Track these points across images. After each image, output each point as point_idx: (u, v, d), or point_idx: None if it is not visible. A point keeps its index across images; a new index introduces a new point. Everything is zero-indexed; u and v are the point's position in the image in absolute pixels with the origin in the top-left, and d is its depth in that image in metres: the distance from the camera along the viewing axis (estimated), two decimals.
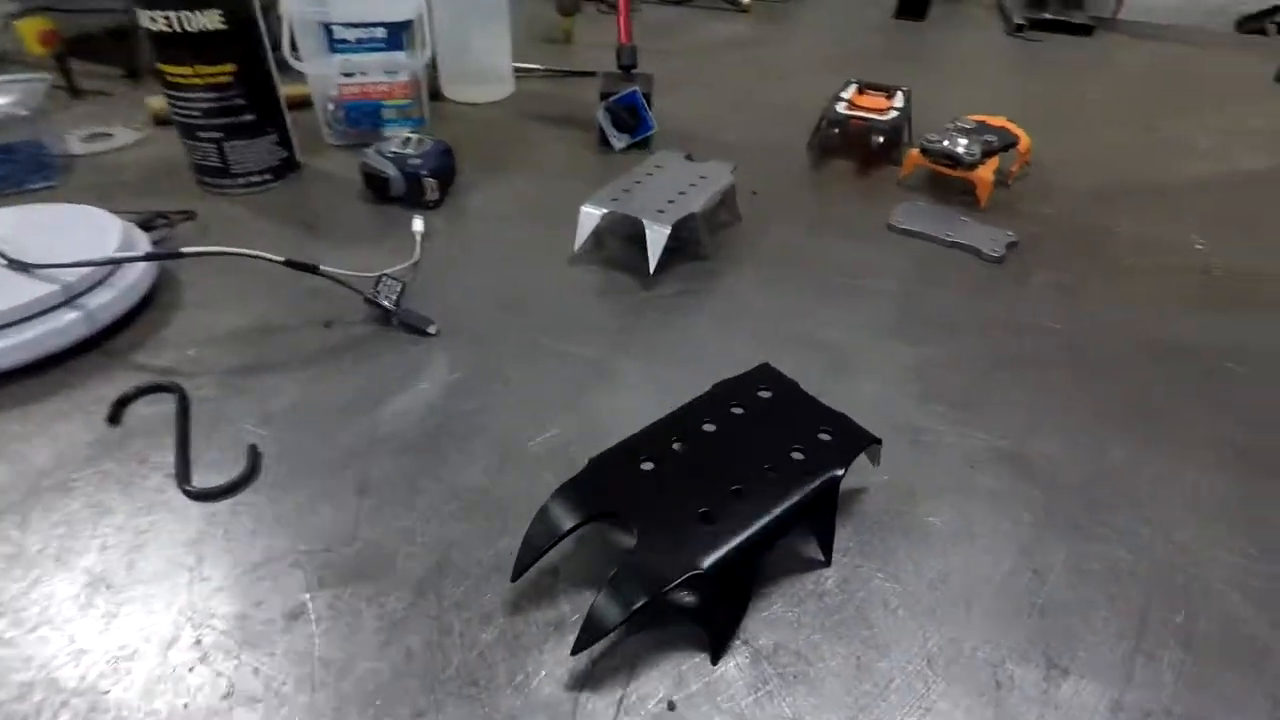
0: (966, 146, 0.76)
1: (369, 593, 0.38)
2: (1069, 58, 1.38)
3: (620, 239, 0.69)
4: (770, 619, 0.38)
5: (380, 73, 0.81)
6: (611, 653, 0.36)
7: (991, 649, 0.37)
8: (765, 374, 0.45)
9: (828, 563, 0.41)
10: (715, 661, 0.36)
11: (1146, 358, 0.58)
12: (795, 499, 0.37)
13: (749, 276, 0.65)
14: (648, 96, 0.84)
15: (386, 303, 0.56)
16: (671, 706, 0.34)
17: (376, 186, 0.73)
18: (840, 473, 0.39)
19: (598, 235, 0.66)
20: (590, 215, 0.63)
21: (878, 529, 0.43)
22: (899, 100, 0.89)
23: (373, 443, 0.47)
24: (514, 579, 0.37)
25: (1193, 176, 0.89)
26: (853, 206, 0.78)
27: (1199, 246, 0.74)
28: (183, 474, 0.44)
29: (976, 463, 0.48)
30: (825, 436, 0.41)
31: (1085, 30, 1.53)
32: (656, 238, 0.61)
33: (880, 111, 0.87)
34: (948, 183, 0.80)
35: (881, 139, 0.83)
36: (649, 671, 0.35)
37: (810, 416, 0.42)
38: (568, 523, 0.36)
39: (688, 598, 0.39)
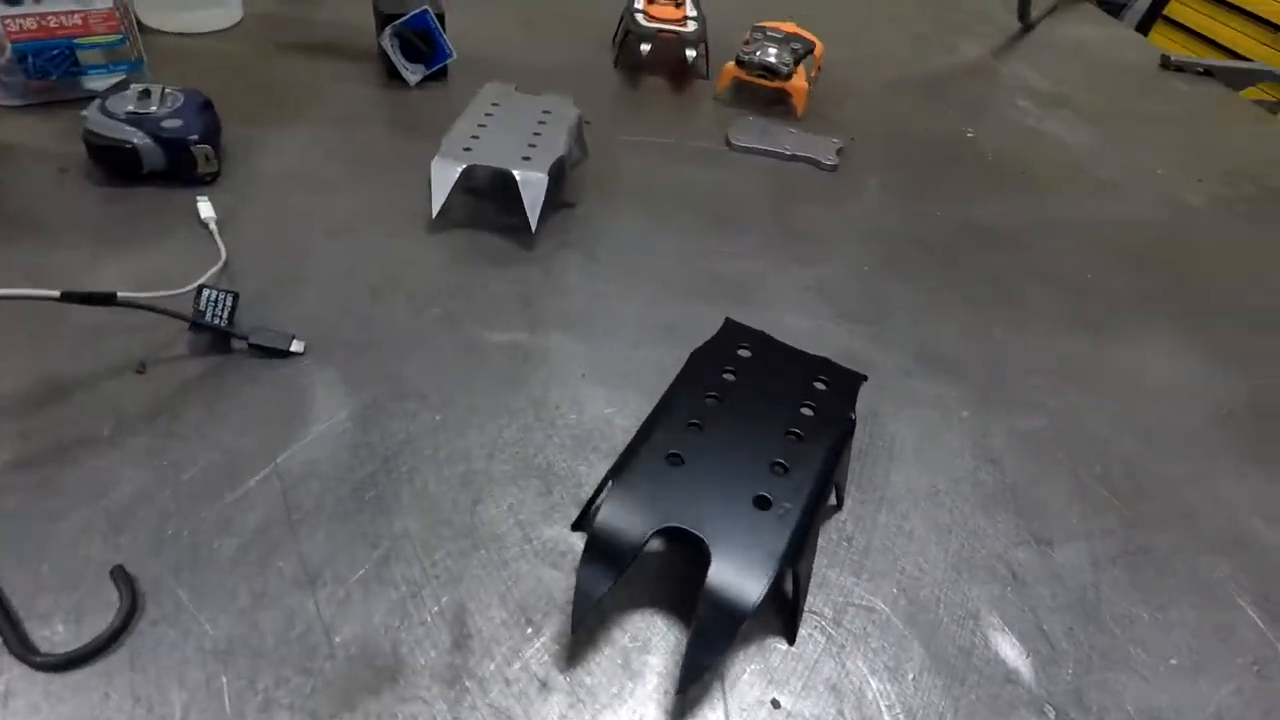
0: (778, 56, 0.77)
1: (383, 708, 0.30)
2: None
3: (476, 193, 0.60)
4: (818, 580, 0.38)
5: None
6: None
7: (992, 542, 0.41)
8: (735, 331, 0.43)
9: (840, 506, 0.41)
10: (792, 642, 0.35)
11: (975, 243, 0.66)
12: (828, 457, 0.37)
13: (622, 218, 0.61)
14: (440, 17, 0.72)
15: (219, 323, 0.43)
16: (776, 705, 0.33)
17: (115, 162, 0.54)
18: (853, 417, 0.39)
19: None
20: (447, 170, 0.53)
21: (861, 456, 0.45)
22: (690, 8, 0.87)
23: (290, 522, 0.36)
24: (574, 630, 0.32)
25: (954, 68, 1.00)
26: (686, 127, 0.76)
27: (969, 134, 0.84)
28: (17, 639, 0.30)
29: (910, 372, 0.51)
30: (821, 386, 0.40)
31: None
32: (534, 189, 0.53)
33: (679, 22, 0.84)
34: (754, 92, 0.81)
35: (694, 53, 0.81)
36: (736, 674, 0.33)
37: (797, 366, 0.41)
38: (625, 555, 0.32)
39: None
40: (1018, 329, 0.57)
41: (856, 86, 0.89)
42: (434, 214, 0.54)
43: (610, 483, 0.35)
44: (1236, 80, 1.15)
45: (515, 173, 0.53)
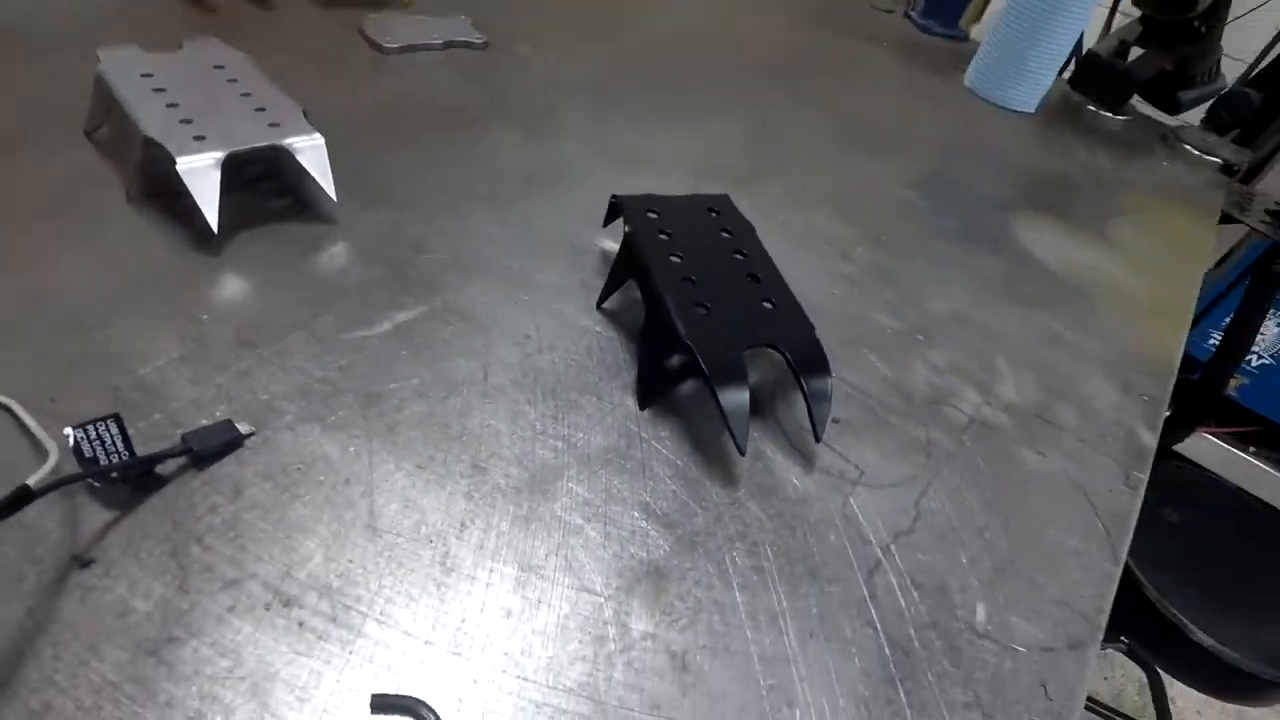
0: None
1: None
2: None
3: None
4: None
5: None
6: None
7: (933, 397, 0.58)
8: (630, 202, 0.49)
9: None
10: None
11: (633, 76, 0.78)
12: (780, 281, 0.47)
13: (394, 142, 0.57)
14: None
15: (122, 458, 0.32)
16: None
17: None
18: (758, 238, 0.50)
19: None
20: (204, 171, 0.43)
21: None
22: None
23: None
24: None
25: None
26: (331, 45, 0.68)
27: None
28: None
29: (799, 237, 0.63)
30: (716, 215, 0.50)
31: None
32: (318, 154, 0.47)
33: None
34: None
35: None
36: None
37: (699, 209, 0.50)
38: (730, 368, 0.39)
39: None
40: (666, 121, 0.72)
41: None
42: (215, 229, 0.44)
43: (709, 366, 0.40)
44: None
45: (287, 142, 0.46)
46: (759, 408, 0.45)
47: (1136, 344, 0.59)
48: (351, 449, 0.36)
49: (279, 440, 0.36)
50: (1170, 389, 0.57)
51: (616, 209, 0.49)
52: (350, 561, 0.32)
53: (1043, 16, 0.84)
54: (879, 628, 0.36)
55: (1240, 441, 1.85)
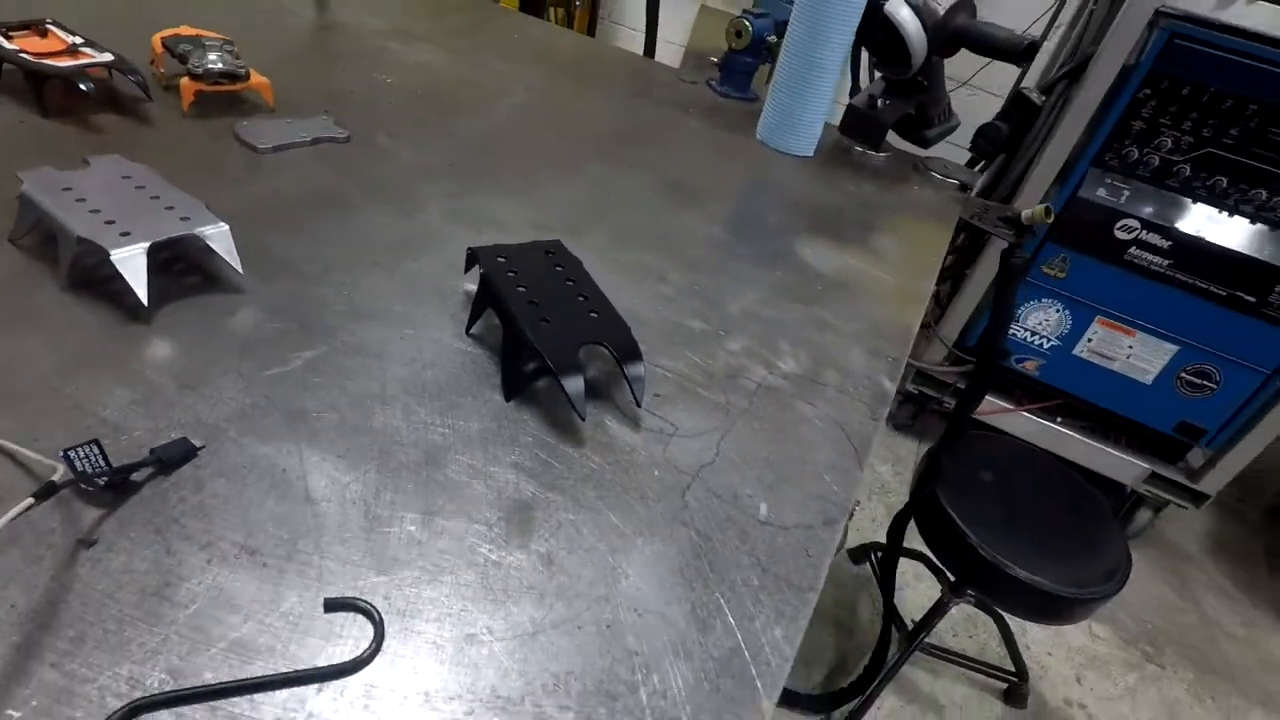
0: (228, 60, 0.85)
1: None
2: None
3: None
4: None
5: None
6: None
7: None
8: (484, 251, 0.64)
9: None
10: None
11: (474, 149, 0.94)
12: (599, 294, 0.64)
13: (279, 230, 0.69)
14: None
15: (101, 469, 0.43)
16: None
17: None
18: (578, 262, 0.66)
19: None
20: (136, 257, 0.54)
21: None
22: (67, 36, 0.83)
23: None
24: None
25: (328, 25, 1.16)
26: (209, 151, 0.79)
27: (388, 80, 1.07)
28: None
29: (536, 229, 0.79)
30: (552, 255, 0.66)
31: None
32: (224, 240, 0.59)
33: (67, 54, 0.81)
34: (212, 100, 0.87)
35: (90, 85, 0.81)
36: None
37: (536, 252, 0.65)
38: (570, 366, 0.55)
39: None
40: (509, 190, 0.89)
41: (267, 69, 1.01)
42: (146, 303, 0.55)
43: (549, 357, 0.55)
44: None
45: (198, 231, 0.58)
46: (597, 392, 0.60)
47: (884, 321, 0.80)
48: (285, 449, 0.49)
49: (226, 449, 0.48)
50: (909, 349, 0.77)
51: (473, 258, 0.63)
52: (296, 522, 0.44)
53: (803, 80, 1.08)
54: (690, 525, 0.51)
55: (1049, 414, 2.18)
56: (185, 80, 0.83)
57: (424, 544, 0.45)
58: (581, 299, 0.62)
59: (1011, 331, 2.07)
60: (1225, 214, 1.75)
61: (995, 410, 2.23)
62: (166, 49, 0.86)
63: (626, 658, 0.42)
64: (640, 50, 1.75)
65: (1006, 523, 1.38)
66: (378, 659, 0.39)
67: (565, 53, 1.38)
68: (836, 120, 1.22)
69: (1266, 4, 1.50)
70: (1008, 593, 1.36)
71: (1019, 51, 1.00)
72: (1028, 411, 2.19)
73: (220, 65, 0.84)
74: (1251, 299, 1.77)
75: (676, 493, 0.53)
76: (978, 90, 2.66)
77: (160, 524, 0.43)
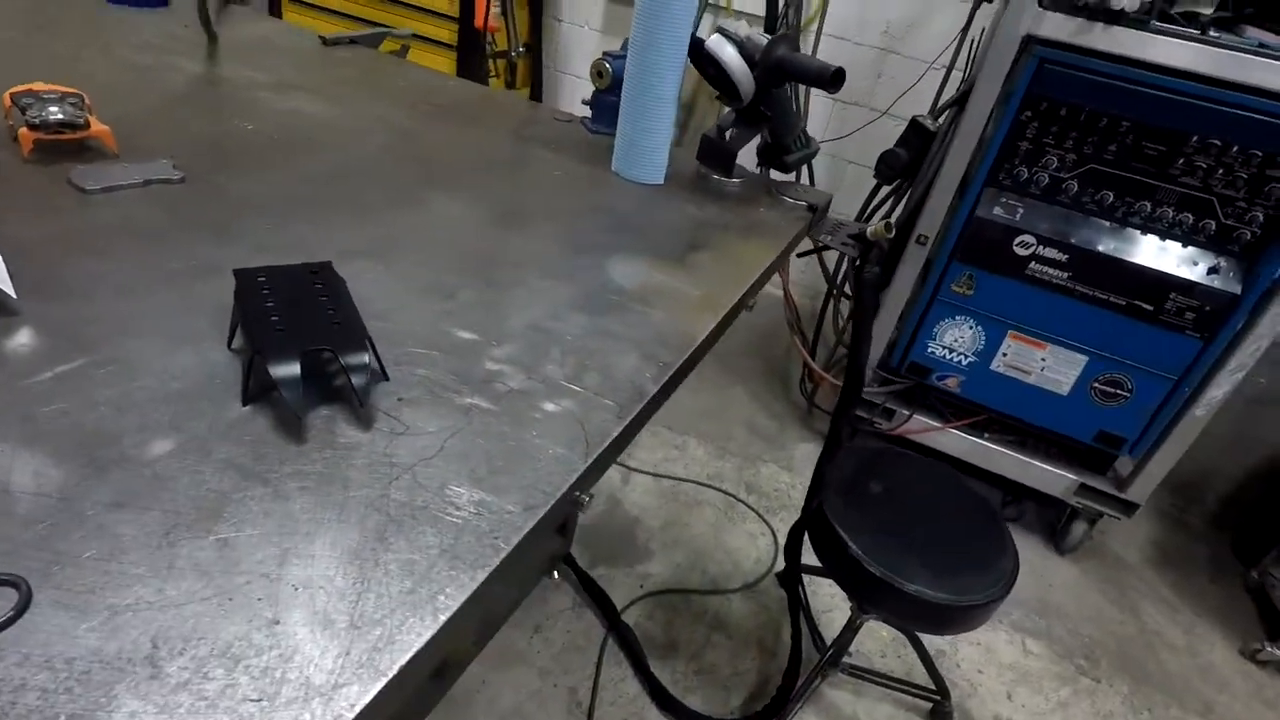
0: (69, 111, 0.93)
1: None
2: None
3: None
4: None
5: None
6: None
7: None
8: (245, 273, 0.69)
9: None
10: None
11: (310, 190, 1.01)
12: (346, 297, 0.69)
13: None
14: None
15: None
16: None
17: None
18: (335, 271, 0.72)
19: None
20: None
21: None
22: None
23: None
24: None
25: (189, 80, 1.25)
26: (39, 193, 0.86)
27: (249, 127, 1.15)
28: None
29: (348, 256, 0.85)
30: (314, 275, 0.72)
31: None
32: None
33: None
34: (55, 149, 0.95)
35: None
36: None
37: (298, 273, 0.71)
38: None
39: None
40: (333, 221, 0.95)
41: (125, 117, 1.09)
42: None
43: (262, 351, 0.60)
44: (372, 41, 1.71)
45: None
46: (334, 397, 0.65)
47: (670, 331, 0.85)
48: (2, 449, 0.54)
49: None
50: (688, 355, 0.81)
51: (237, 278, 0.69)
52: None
53: (642, 113, 1.15)
54: (384, 511, 0.56)
55: (977, 430, 2.21)
56: (24, 130, 0.91)
57: (105, 528, 0.50)
58: (330, 313, 0.67)
59: (930, 349, 2.12)
60: (1115, 226, 1.81)
61: (923, 429, 2.26)
62: (14, 103, 0.93)
63: (266, 626, 0.47)
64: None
65: (894, 534, 1.40)
66: (17, 625, 0.44)
67: (449, 98, 1.46)
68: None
69: (1122, 29, 1.57)
70: (896, 605, 1.38)
71: (827, 78, 1.07)
72: (955, 429, 2.22)
73: (60, 115, 0.92)
74: (1149, 307, 1.81)
75: (383, 484, 0.58)
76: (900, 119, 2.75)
77: None
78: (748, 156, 1.28)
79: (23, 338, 0.65)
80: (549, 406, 0.70)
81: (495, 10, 2.73)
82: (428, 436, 0.63)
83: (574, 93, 3.48)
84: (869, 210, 2.28)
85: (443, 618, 0.49)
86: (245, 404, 0.63)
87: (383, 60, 1.61)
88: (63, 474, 0.53)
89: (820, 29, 2.75)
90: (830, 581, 1.66)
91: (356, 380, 0.62)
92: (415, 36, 2.14)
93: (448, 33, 2.86)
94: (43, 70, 1.05)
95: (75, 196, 0.87)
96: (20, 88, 0.96)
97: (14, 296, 0.66)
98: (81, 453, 0.55)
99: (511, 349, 0.76)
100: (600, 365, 0.77)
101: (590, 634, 1.80)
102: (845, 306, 2.59)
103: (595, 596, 1.83)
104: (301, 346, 0.62)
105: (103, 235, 0.81)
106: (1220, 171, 1.66)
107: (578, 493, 0.64)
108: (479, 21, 2.73)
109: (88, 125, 0.94)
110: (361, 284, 0.75)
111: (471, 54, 2.87)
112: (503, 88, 3.15)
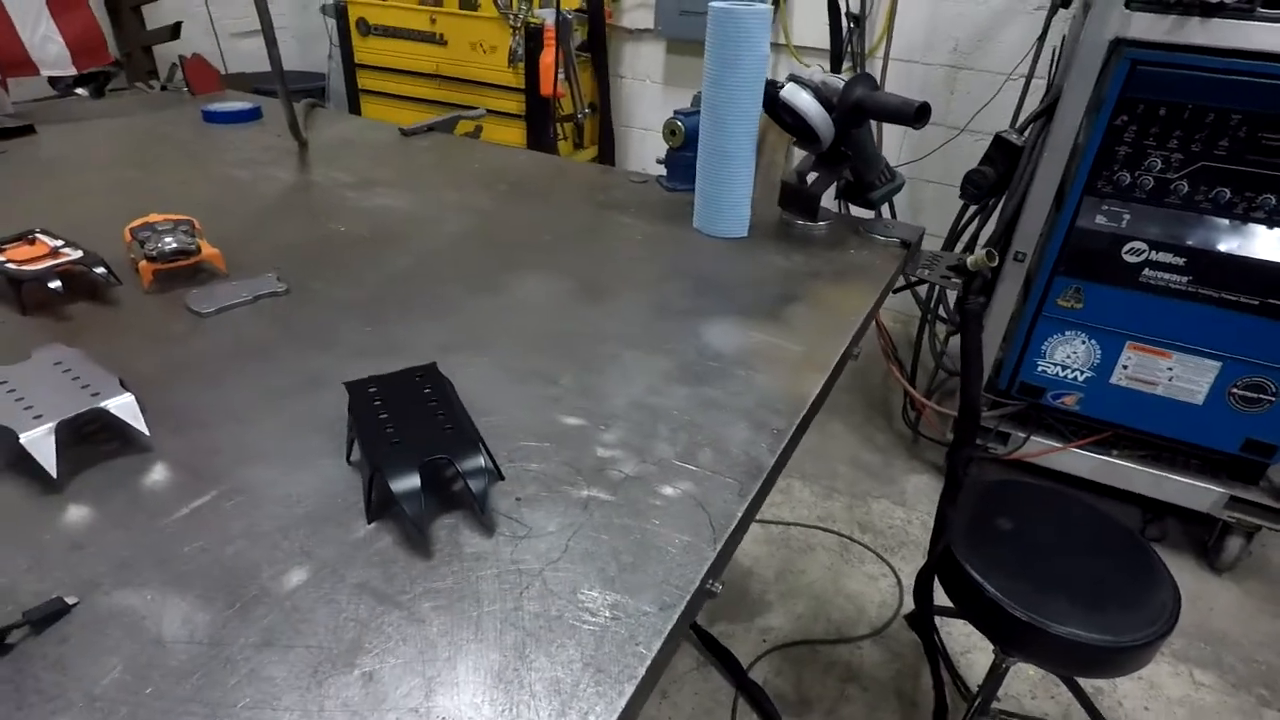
0: (180, 239, 0.98)
1: None
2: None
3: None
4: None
5: None
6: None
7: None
8: (356, 384, 0.71)
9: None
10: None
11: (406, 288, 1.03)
12: (461, 411, 0.69)
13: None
14: None
15: None
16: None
17: None
18: (447, 380, 0.72)
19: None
20: (43, 437, 0.64)
21: None
22: (51, 240, 0.99)
23: None
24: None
25: (282, 190, 1.32)
26: (159, 322, 0.91)
27: (342, 229, 1.19)
28: None
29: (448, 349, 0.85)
30: (420, 379, 0.72)
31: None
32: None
33: (47, 256, 0.95)
34: (172, 275, 1.00)
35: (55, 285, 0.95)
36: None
37: (409, 377, 0.72)
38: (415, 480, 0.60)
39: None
40: (422, 316, 0.97)
41: (231, 234, 1.15)
42: (54, 475, 0.64)
43: (381, 467, 0.61)
44: (447, 126, 1.77)
45: (104, 404, 0.67)
46: (457, 506, 0.65)
47: (779, 393, 0.82)
48: (149, 596, 0.55)
49: (97, 603, 0.55)
50: (800, 418, 0.78)
51: (349, 392, 0.70)
52: (141, 665, 0.50)
53: (718, 168, 1.14)
54: (520, 626, 0.54)
55: (1104, 448, 2.07)
56: (143, 263, 0.97)
57: (255, 673, 0.50)
58: (440, 417, 0.67)
59: (1040, 368, 2.01)
60: (1236, 223, 1.68)
61: (1043, 451, 2.14)
62: (134, 237, 1.00)
63: None
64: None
65: (1032, 572, 1.31)
66: None
67: (522, 173, 1.49)
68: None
69: (1221, 20, 1.48)
70: (1046, 648, 1.28)
71: (911, 116, 1.03)
72: (1078, 448, 2.09)
73: (174, 245, 0.98)
74: None
75: (515, 595, 0.57)
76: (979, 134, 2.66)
77: (20, 681, 0.49)
78: (828, 196, 1.25)
79: (157, 474, 0.67)
80: (667, 491, 0.68)
81: (561, 76, 2.80)
82: (551, 537, 0.62)
83: (641, 145, 3.53)
84: (958, 230, 2.20)
85: None
86: (370, 521, 0.63)
87: (457, 144, 1.66)
88: (209, 616, 0.54)
89: (887, 54, 2.71)
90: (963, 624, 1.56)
91: (475, 485, 0.62)
92: (487, 112, 2.22)
93: (515, 104, 2.94)
94: (156, 199, 1.13)
95: (191, 321, 0.92)
96: (138, 221, 1.03)
97: (146, 434, 0.69)
98: (224, 592, 0.56)
99: (620, 431, 0.75)
100: (711, 439, 0.74)
101: (718, 695, 1.74)
102: (941, 329, 2.49)
103: (719, 655, 1.77)
104: (419, 458, 0.62)
105: (218, 358, 0.85)
106: None
107: (710, 581, 0.61)
108: (545, 89, 2.80)
109: (199, 250, 1.00)
110: (463, 379, 0.76)
111: (540, 121, 2.94)
112: (571, 149, 3.22)
